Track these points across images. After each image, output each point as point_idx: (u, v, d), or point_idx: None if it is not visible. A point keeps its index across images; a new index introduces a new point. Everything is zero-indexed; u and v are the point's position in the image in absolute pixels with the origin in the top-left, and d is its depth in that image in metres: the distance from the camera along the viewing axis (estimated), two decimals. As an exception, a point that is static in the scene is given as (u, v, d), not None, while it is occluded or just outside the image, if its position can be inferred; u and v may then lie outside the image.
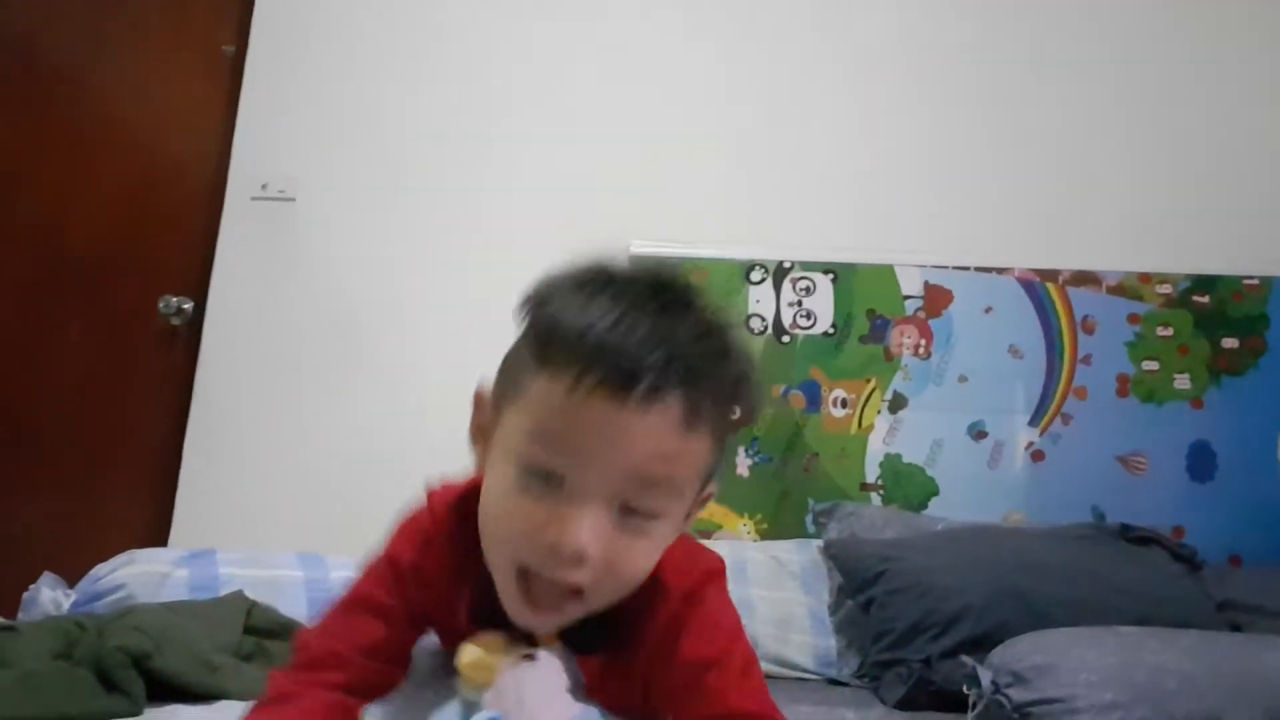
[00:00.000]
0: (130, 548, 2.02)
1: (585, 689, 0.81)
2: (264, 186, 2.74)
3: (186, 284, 2.73)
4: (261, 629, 1.65)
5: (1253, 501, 2.35)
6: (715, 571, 0.85)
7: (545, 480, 0.71)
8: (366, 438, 2.57)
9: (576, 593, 0.73)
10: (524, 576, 0.73)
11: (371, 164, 2.73)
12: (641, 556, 0.74)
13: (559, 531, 0.69)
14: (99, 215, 2.79)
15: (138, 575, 1.77)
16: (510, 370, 0.76)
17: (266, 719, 0.78)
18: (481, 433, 0.79)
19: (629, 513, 0.71)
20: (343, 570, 1.90)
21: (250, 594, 1.73)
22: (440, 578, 0.83)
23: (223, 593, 1.75)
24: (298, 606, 1.78)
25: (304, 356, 2.65)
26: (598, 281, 0.72)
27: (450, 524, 0.83)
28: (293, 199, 2.73)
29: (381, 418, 2.58)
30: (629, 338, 0.68)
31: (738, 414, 0.77)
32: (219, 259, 2.73)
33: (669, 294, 0.72)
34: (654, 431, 0.69)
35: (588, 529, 0.69)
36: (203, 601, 1.66)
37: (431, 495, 0.89)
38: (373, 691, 0.83)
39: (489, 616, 0.79)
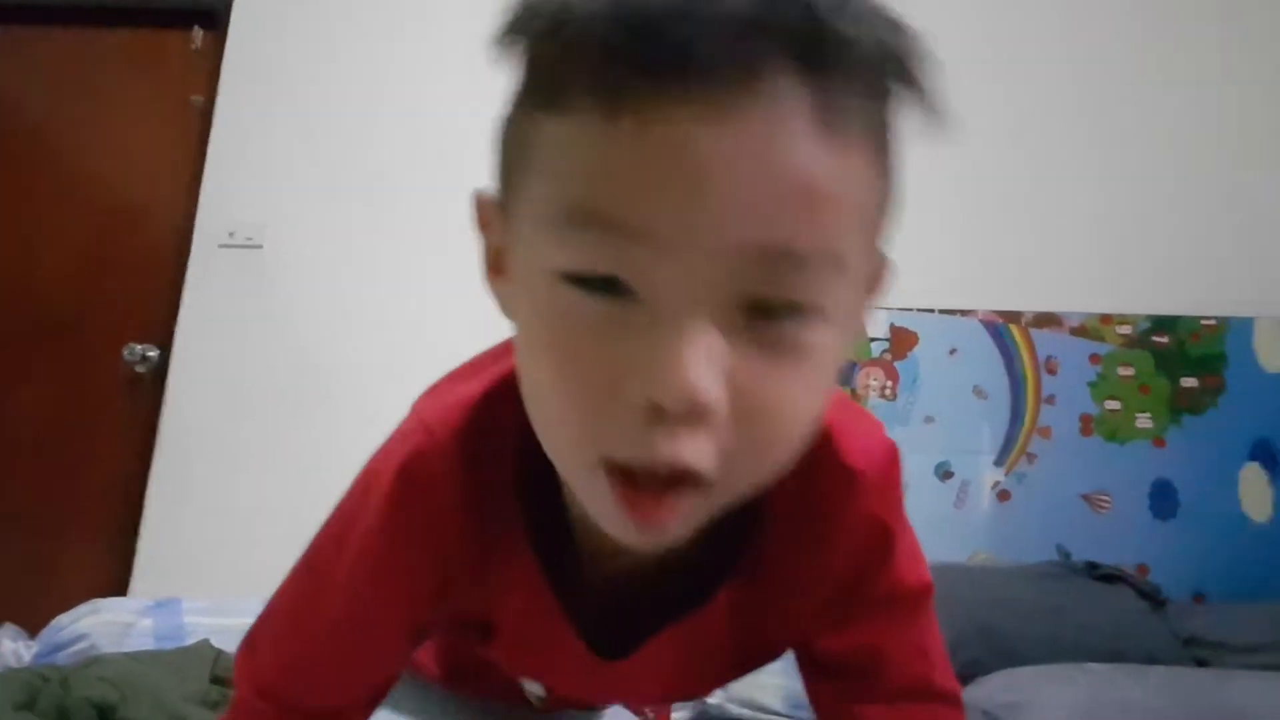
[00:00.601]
0: (92, 595, 1.99)
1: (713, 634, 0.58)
2: (231, 234, 2.74)
3: (152, 331, 2.71)
4: (228, 678, 1.63)
5: (1215, 538, 2.38)
6: (896, 455, 0.60)
7: (606, 294, 0.41)
8: (332, 486, 2.53)
9: (693, 480, 0.42)
10: (616, 479, 0.43)
11: (339, 212, 2.73)
12: (804, 391, 0.43)
13: (649, 373, 0.40)
14: (65, 263, 2.79)
15: (101, 625, 1.74)
16: (510, 142, 0.46)
17: None
18: (498, 262, 0.50)
19: (762, 315, 0.41)
20: (311, 618, 1.87)
21: (216, 643, 1.70)
22: (467, 547, 0.56)
23: (188, 642, 1.72)
24: (265, 655, 1.75)
25: (270, 404, 2.64)
26: None
27: (471, 450, 0.55)
28: (260, 246, 2.74)
29: (347, 467, 2.55)
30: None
31: (913, 95, 0.44)
32: (185, 306, 2.72)
33: None
34: (772, 146, 0.39)
35: (700, 358, 0.39)
36: (168, 651, 1.64)
37: (431, 429, 0.57)
38: None
39: (560, 566, 0.55)
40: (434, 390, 0.62)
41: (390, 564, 0.57)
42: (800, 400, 0.43)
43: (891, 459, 0.58)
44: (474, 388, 0.56)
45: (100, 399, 2.71)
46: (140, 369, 2.69)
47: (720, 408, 0.40)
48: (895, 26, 0.42)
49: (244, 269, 2.72)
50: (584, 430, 0.42)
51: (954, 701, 0.62)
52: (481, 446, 0.54)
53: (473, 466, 0.54)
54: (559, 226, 0.41)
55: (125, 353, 2.68)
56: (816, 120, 0.39)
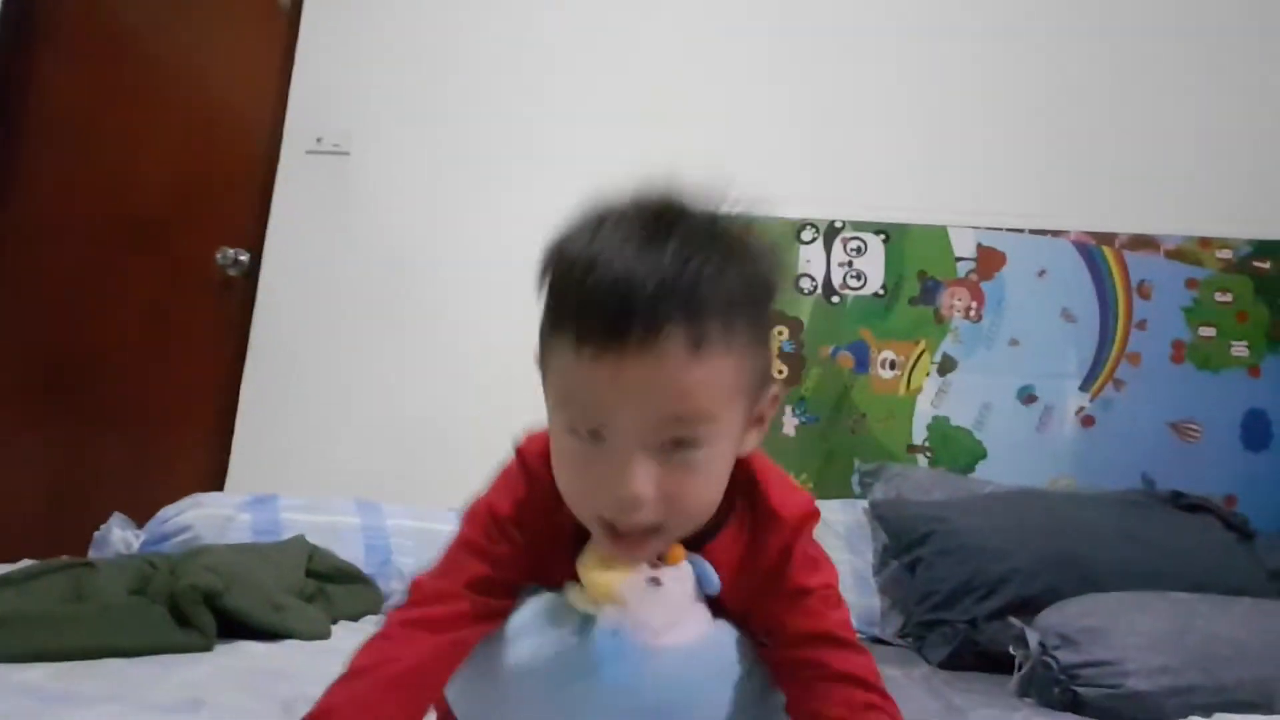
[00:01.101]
0: (191, 490, 2.09)
1: (720, 589, 0.85)
2: (319, 140, 2.77)
3: (243, 236, 2.78)
4: (322, 573, 1.71)
5: (1309, 471, 2.32)
6: (814, 513, 0.88)
7: (589, 438, 0.73)
8: (419, 389, 2.61)
9: (653, 530, 0.76)
10: (608, 530, 0.77)
11: (425, 119, 2.74)
12: (699, 485, 0.75)
13: (612, 485, 0.73)
14: (161, 169, 2.85)
15: (203, 518, 1.83)
16: (541, 334, 0.77)
17: (370, 652, 0.80)
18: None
19: (676, 447, 0.72)
20: (399, 518, 1.95)
21: (310, 539, 1.78)
22: (539, 528, 0.85)
23: (284, 537, 1.80)
24: (355, 552, 1.83)
25: (357, 308, 2.69)
26: (590, 227, 0.72)
27: (543, 474, 0.82)
28: (347, 153, 2.76)
29: (433, 369, 2.62)
30: (614, 282, 0.68)
31: (761, 310, 0.76)
32: (275, 211, 2.78)
33: (658, 218, 0.72)
34: (663, 371, 0.69)
35: (637, 478, 0.72)
36: (266, 545, 1.72)
37: (520, 450, 0.88)
38: (481, 621, 0.84)
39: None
40: (530, 438, 0.88)
41: (519, 509, 0.86)
42: (698, 489, 0.76)
43: (806, 514, 0.87)
44: (546, 439, 0.83)
45: (195, 301, 2.79)
46: (233, 272, 2.76)
47: (652, 498, 0.73)
48: (749, 267, 0.73)
49: (331, 175, 2.75)
50: (586, 503, 0.77)
51: (857, 648, 0.84)
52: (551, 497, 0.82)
53: (547, 489, 0.83)
54: (560, 403, 0.75)
55: (218, 256, 2.75)
56: (690, 347, 0.69)
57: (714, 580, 0.83)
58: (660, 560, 0.81)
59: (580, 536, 0.83)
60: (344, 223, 2.75)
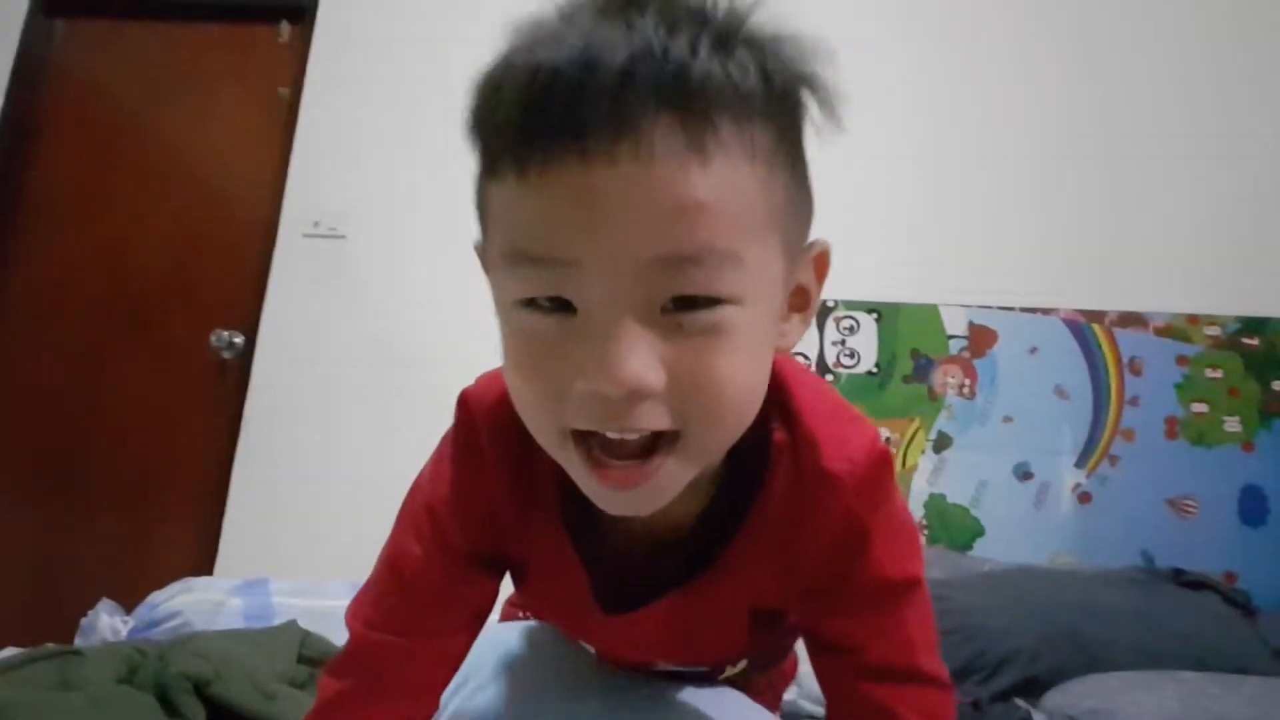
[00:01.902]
0: (181, 574, 2.06)
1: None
2: (316, 224, 2.80)
3: (238, 318, 2.79)
4: (315, 659, 1.67)
5: (1307, 547, 2.31)
6: (886, 453, 0.64)
7: (553, 312, 0.51)
8: (412, 473, 2.59)
9: (656, 445, 0.52)
10: (583, 443, 0.53)
11: (420, 203, 2.78)
12: (729, 360, 0.51)
13: (590, 371, 0.50)
14: (159, 249, 2.87)
15: (194, 603, 1.79)
16: (478, 205, 0.58)
17: None
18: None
19: (682, 308, 0.50)
20: (393, 602, 1.91)
21: (303, 623, 1.75)
22: (510, 498, 0.66)
23: (276, 622, 1.77)
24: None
25: (352, 391, 2.69)
26: (524, 29, 0.52)
27: (503, 422, 0.62)
28: (343, 236, 2.79)
29: (427, 453, 2.60)
30: (567, 62, 0.47)
31: (791, 112, 0.53)
32: (270, 294, 2.79)
33: None
34: (649, 181, 0.47)
35: (626, 348, 0.49)
36: (258, 630, 1.68)
37: (467, 402, 0.68)
38: (441, 669, 0.72)
39: (586, 525, 0.65)
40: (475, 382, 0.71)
41: (457, 496, 0.69)
42: (727, 368, 0.51)
43: (875, 462, 0.62)
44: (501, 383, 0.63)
45: (189, 384, 2.79)
46: (227, 355, 2.77)
47: (658, 384, 0.50)
48: (769, 51, 0.51)
49: (327, 258, 2.78)
50: (549, 414, 0.53)
51: (943, 686, 0.66)
52: (517, 447, 0.63)
53: (503, 438, 0.65)
54: (509, 265, 0.52)
55: (213, 339, 2.75)
56: (686, 150, 0.48)
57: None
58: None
59: (568, 504, 0.63)
60: (338, 306, 2.77)
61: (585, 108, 0.46)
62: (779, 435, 0.62)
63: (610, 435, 0.52)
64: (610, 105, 0.46)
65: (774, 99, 0.52)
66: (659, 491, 0.54)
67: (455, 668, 0.74)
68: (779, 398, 0.62)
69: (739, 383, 0.53)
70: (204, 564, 2.56)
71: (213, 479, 2.67)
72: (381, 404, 2.66)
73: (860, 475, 0.61)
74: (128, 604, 1.93)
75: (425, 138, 2.83)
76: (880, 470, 0.62)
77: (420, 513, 0.72)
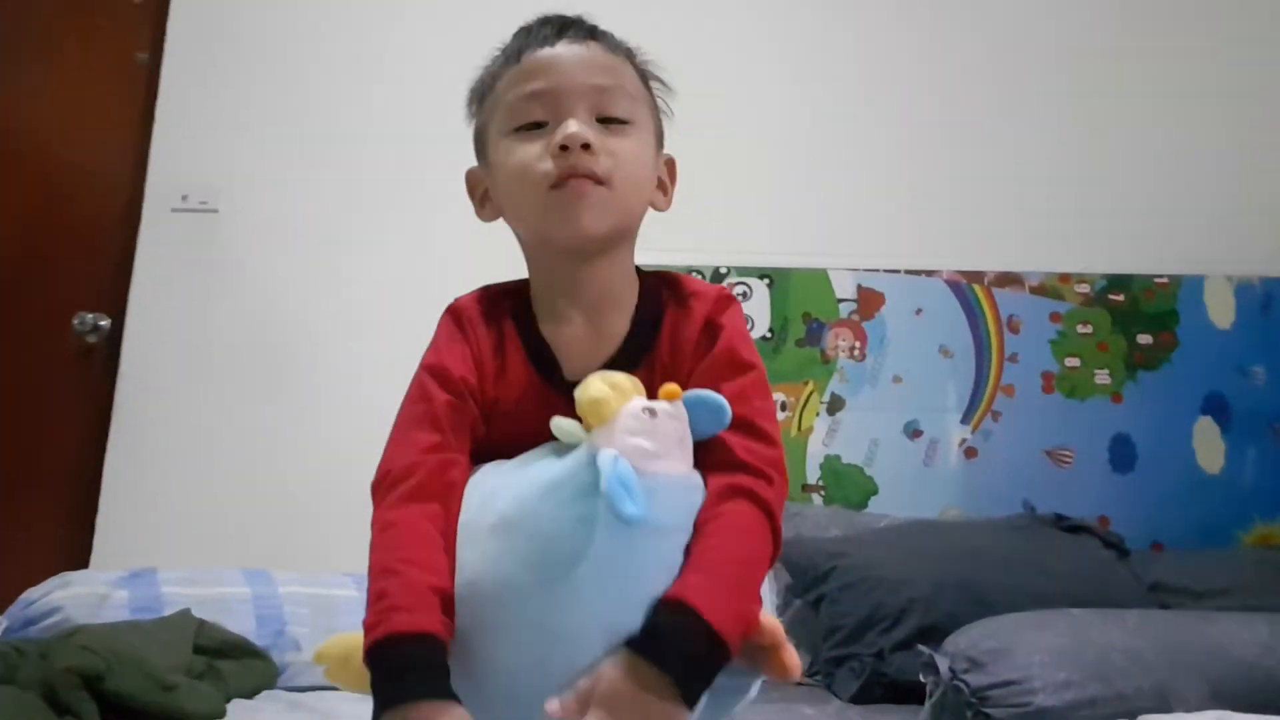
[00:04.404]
0: (50, 572, 1.93)
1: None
2: (184, 198, 2.65)
3: (103, 300, 2.62)
4: (211, 649, 1.60)
5: (1171, 489, 2.47)
6: (730, 295, 0.94)
7: (537, 128, 0.89)
8: (300, 451, 2.50)
9: (599, 183, 0.87)
10: (556, 189, 0.87)
11: (297, 172, 2.66)
12: (633, 149, 0.90)
13: (560, 135, 0.86)
14: (7, 231, 2.67)
15: (74, 598, 1.68)
16: (479, 129, 0.96)
17: (382, 549, 0.80)
18: (484, 194, 0.97)
19: (606, 121, 0.89)
20: (291, 585, 1.84)
21: (197, 613, 1.67)
22: (489, 347, 0.91)
23: (166, 613, 1.68)
24: (246, 624, 1.72)
25: (230, 370, 2.57)
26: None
27: (480, 306, 0.93)
28: (215, 210, 2.65)
29: (314, 429, 2.52)
30: (546, 22, 0.93)
31: (647, 62, 0.97)
32: (137, 274, 2.63)
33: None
34: (590, 52, 0.91)
35: (577, 124, 0.86)
36: (148, 621, 1.60)
37: (455, 302, 0.95)
38: (457, 468, 0.86)
39: (547, 359, 0.91)
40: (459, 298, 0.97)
41: (451, 346, 0.91)
42: (629, 149, 0.90)
43: (722, 292, 0.93)
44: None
45: (52, 370, 2.61)
46: (92, 339, 2.60)
47: (595, 141, 0.87)
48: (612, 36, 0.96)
49: (198, 234, 2.63)
50: (538, 174, 0.88)
51: (772, 443, 0.86)
52: (489, 300, 0.95)
53: (488, 306, 0.94)
54: (513, 112, 0.90)
55: (76, 322, 2.58)
56: (606, 46, 0.93)
57: (724, 413, 0.81)
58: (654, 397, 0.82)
59: (531, 339, 0.92)
60: (213, 283, 2.63)
61: (566, 26, 0.93)
62: (667, 294, 0.94)
63: (571, 184, 0.87)
64: (575, 27, 0.93)
65: (644, 69, 0.97)
66: (598, 209, 0.88)
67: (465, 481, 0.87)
68: (669, 280, 0.95)
69: (635, 161, 0.90)
70: (78, 560, 2.40)
71: (82, 470, 2.51)
72: (259, 386, 2.55)
73: (713, 295, 0.92)
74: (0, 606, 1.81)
75: (299, 101, 2.72)
76: (727, 295, 0.93)
77: (422, 374, 0.90)
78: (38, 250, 2.68)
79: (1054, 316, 2.55)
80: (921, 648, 1.72)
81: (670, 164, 0.98)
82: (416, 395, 0.89)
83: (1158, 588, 2.08)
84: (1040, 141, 2.68)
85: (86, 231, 2.70)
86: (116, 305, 2.62)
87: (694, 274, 2.55)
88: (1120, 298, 2.56)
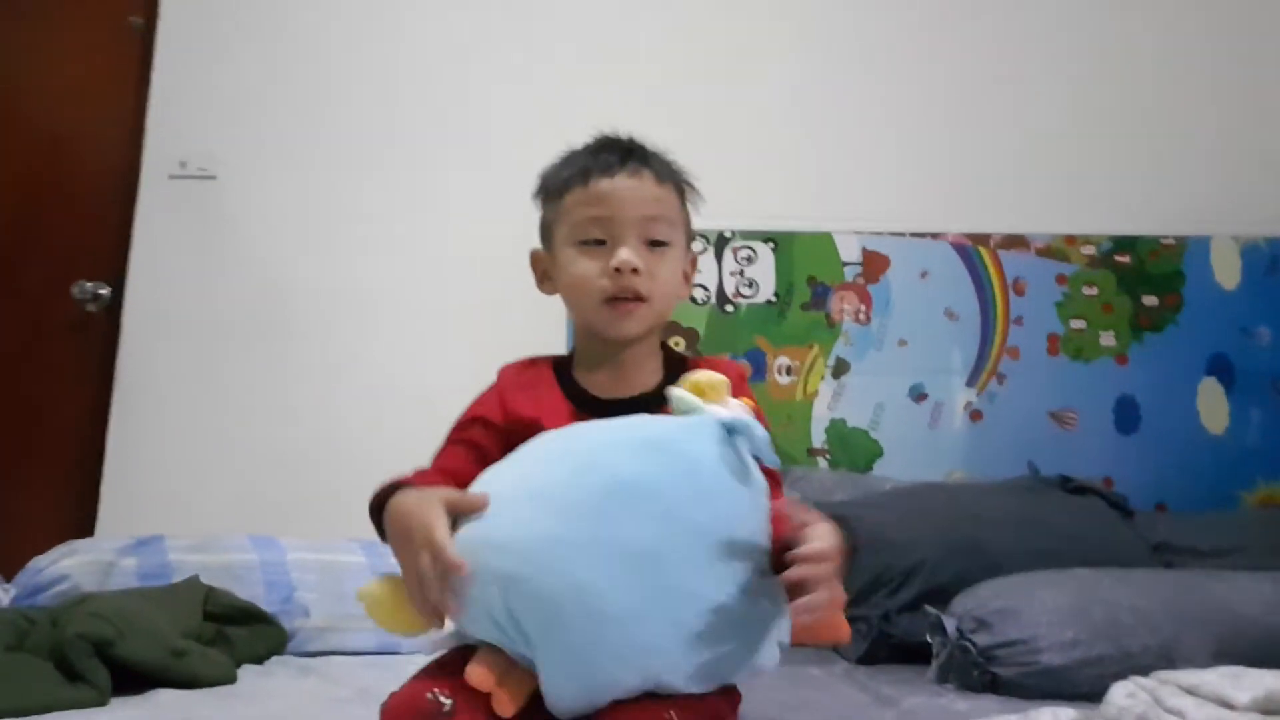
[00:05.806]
0: (55, 540, 1.93)
1: None
2: (183, 164, 2.62)
3: (102, 268, 2.60)
4: (220, 615, 1.60)
5: (1175, 450, 2.47)
6: (744, 372, 1.25)
7: (596, 245, 1.10)
8: (304, 416, 2.50)
9: (640, 299, 1.10)
10: (609, 303, 1.10)
11: (297, 137, 2.63)
12: (669, 269, 1.13)
13: (617, 258, 1.08)
14: (3, 199, 2.64)
15: (82, 565, 1.69)
16: (546, 222, 1.18)
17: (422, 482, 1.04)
18: (545, 273, 1.18)
19: (651, 245, 1.11)
20: (299, 551, 1.85)
21: (205, 579, 1.67)
22: (538, 382, 1.16)
23: (175, 580, 1.68)
24: (254, 590, 1.72)
25: (232, 336, 2.55)
26: (572, 149, 1.18)
27: (521, 366, 1.19)
28: (214, 177, 2.62)
29: (319, 394, 2.51)
30: (608, 147, 1.15)
31: (686, 181, 1.18)
32: (136, 241, 2.61)
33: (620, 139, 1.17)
34: (644, 185, 1.11)
35: (630, 251, 1.09)
36: (158, 588, 1.60)
37: (501, 370, 1.20)
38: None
39: (583, 400, 1.14)
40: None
41: (488, 394, 1.17)
42: (668, 270, 1.13)
43: (732, 361, 1.23)
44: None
45: (52, 339, 2.60)
46: (91, 307, 2.59)
47: (642, 265, 1.09)
48: (667, 161, 1.17)
49: (197, 201, 2.61)
50: (595, 288, 1.10)
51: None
52: (531, 360, 1.20)
53: (529, 362, 1.20)
54: (577, 228, 1.12)
55: (75, 291, 2.57)
56: (656, 178, 1.13)
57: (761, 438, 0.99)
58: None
59: (570, 387, 1.14)
60: (213, 249, 2.61)
61: (625, 155, 1.13)
62: (690, 362, 1.19)
63: (621, 297, 1.10)
64: (634, 157, 1.13)
65: (685, 183, 1.18)
66: (639, 321, 1.12)
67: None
68: (691, 359, 1.21)
69: (670, 280, 1.14)
70: (83, 529, 2.41)
71: (85, 438, 2.51)
72: (266, 347, 2.54)
73: (725, 362, 1.19)
74: (4, 573, 1.81)
75: (298, 65, 2.68)
76: (737, 364, 1.26)
77: (461, 420, 1.15)
78: (35, 219, 2.66)
79: (1059, 278, 2.54)
80: (928, 609, 1.72)
81: (693, 260, 1.22)
82: (451, 434, 1.15)
83: (1162, 548, 2.09)
84: (1046, 103, 2.65)
85: (84, 200, 2.68)
86: (116, 273, 2.60)
87: (698, 238, 2.56)
88: (1126, 259, 2.55)
